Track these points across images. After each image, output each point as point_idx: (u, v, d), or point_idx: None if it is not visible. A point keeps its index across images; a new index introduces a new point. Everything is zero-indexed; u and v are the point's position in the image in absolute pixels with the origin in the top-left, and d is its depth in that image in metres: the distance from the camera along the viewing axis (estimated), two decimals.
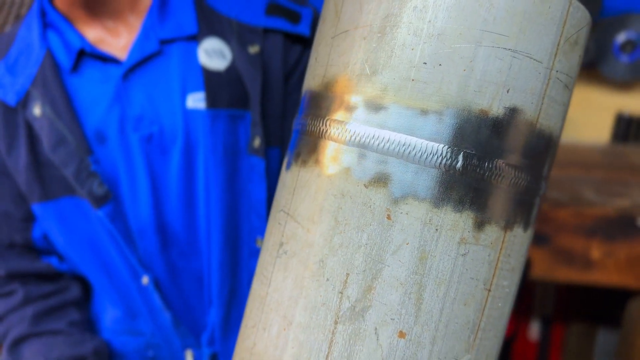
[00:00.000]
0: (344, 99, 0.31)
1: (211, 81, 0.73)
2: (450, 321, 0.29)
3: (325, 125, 0.32)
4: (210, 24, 0.74)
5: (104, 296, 0.81)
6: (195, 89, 0.74)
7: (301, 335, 0.31)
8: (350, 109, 0.30)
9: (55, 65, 0.72)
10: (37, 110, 0.71)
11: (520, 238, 0.32)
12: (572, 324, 2.11)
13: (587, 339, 2.12)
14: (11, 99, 0.72)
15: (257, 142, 0.74)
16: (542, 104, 0.29)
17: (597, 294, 1.79)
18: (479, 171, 0.29)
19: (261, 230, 0.77)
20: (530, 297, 2.07)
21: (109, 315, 0.81)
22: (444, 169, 0.29)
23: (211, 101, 0.72)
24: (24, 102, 0.71)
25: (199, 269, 0.78)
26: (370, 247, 0.30)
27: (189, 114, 0.73)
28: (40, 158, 0.72)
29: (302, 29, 0.77)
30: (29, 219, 0.77)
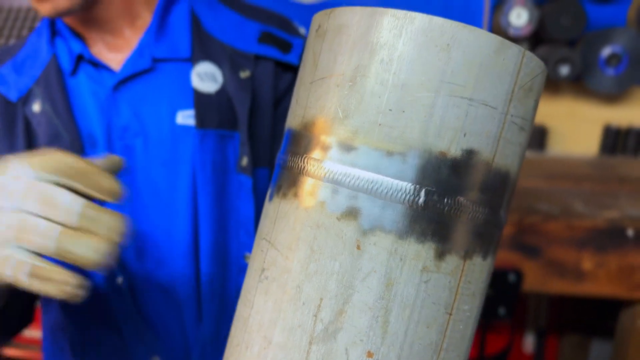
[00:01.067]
0: (320, 139, 0.34)
1: (201, 102, 0.78)
2: (414, 342, 0.33)
3: (304, 162, 0.35)
4: (204, 48, 0.80)
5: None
6: (185, 107, 0.79)
7: (279, 354, 0.34)
8: (325, 148, 0.34)
9: (59, 69, 0.79)
10: (36, 107, 0.78)
11: (479, 266, 0.36)
12: (566, 336, 2.14)
13: (581, 351, 2.15)
14: (13, 95, 0.79)
15: (244, 161, 0.78)
16: (497, 145, 0.33)
17: (590, 305, 1.83)
18: (440, 206, 0.32)
19: (249, 247, 0.81)
20: (524, 310, 2.10)
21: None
22: (407, 205, 0.32)
23: (200, 121, 0.77)
24: (25, 99, 0.78)
25: (180, 280, 0.81)
26: (342, 274, 0.33)
27: (177, 129, 0.79)
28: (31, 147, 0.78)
29: (292, 58, 0.83)
30: None
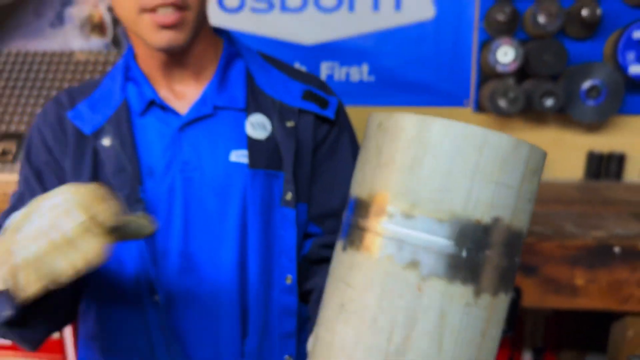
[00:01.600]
0: (385, 208, 0.48)
1: (253, 147, 0.95)
2: (460, 357, 0.47)
3: (373, 225, 0.49)
4: (257, 101, 0.97)
5: (114, 315, 0.96)
6: (238, 147, 0.96)
7: None
8: (391, 215, 0.48)
9: (129, 110, 0.94)
10: (106, 141, 0.93)
11: (503, 300, 0.50)
12: (562, 352, 2.24)
13: None
14: (87, 130, 0.94)
15: (289, 196, 0.94)
16: (514, 213, 0.47)
17: (584, 321, 1.95)
18: (476, 259, 0.46)
19: (291, 270, 0.96)
20: (521, 327, 2.21)
21: (115, 335, 0.96)
22: (454, 258, 0.46)
23: (252, 162, 0.94)
24: (97, 133, 0.93)
25: (223, 298, 0.94)
26: (408, 309, 0.47)
27: (230, 166, 0.95)
28: (99, 180, 0.92)
29: (329, 113, 1.01)
30: None
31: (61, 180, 0.93)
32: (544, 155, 0.54)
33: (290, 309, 0.98)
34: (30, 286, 0.58)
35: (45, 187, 0.94)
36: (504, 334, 0.92)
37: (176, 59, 0.95)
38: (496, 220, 0.49)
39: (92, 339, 0.99)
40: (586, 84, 2.15)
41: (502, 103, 2.13)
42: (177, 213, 0.92)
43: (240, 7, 2.37)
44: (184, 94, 0.98)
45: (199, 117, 0.96)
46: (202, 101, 0.97)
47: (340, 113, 1.06)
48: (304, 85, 1.02)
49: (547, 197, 2.03)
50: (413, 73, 2.32)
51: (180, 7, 0.87)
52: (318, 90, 1.02)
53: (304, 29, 2.35)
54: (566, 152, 2.32)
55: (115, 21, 2.48)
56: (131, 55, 1.00)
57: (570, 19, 2.13)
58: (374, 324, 0.47)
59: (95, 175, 0.92)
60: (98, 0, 2.47)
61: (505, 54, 2.13)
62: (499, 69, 2.14)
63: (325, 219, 1.01)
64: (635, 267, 1.54)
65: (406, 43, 2.32)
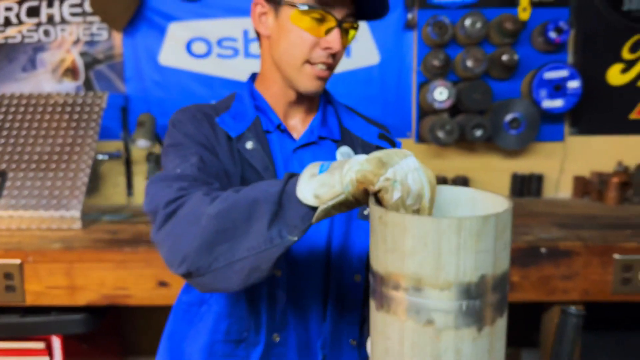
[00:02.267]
0: (400, 284, 0.67)
1: None
2: None
3: (394, 295, 0.68)
4: (345, 137, 1.19)
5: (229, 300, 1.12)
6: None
7: None
8: (405, 289, 0.66)
9: (261, 125, 1.12)
10: (249, 145, 1.09)
11: (501, 322, 0.69)
12: None
13: None
14: (233, 134, 1.09)
15: (365, 211, 1.14)
16: (495, 265, 0.67)
17: (517, 321, 2.18)
18: (473, 307, 0.66)
19: (360, 271, 1.16)
20: None
21: (220, 303, 1.11)
22: (458, 312, 0.66)
23: None
24: (239, 138, 1.09)
25: (313, 290, 1.13)
26: (432, 353, 0.67)
27: None
28: (246, 174, 1.08)
29: (398, 146, 1.23)
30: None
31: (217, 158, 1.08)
32: (509, 211, 0.69)
33: (357, 303, 1.16)
34: (398, 194, 0.72)
35: (212, 154, 1.06)
36: None
37: (302, 99, 1.14)
38: (482, 277, 0.66)
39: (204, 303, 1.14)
40: (508, 117, 2.46)
41: (440, 134, 2.41)
42: None
43: (207, 54, 2.54)
44: (295, 125, 1.17)
45: (307, 143, 1.15)
46: (310, 131, 1.15)
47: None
48: (378, 130, 1.22)
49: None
50: (362, 110, 2.53)
51: (330, 67, 1.08)
52: (387, 134, 1.24)
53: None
54: (494, 174, 2.63)
55: (88, 65, 2.58)
56: (253, 87, 1.18)
57: (493, 63, 2.44)
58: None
59: (243, 170, 1.07)
60: (70, 45, 2.56)
61: (441, 93, 2.41)
62: (436, 105, 2.42)
63: None
64: (559, 264, 1.82)
65: (356, 84, 2.57)
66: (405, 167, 0.72)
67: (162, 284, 1.81)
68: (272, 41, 1.09)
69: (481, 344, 0.68)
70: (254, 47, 2.56)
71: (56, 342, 1.95)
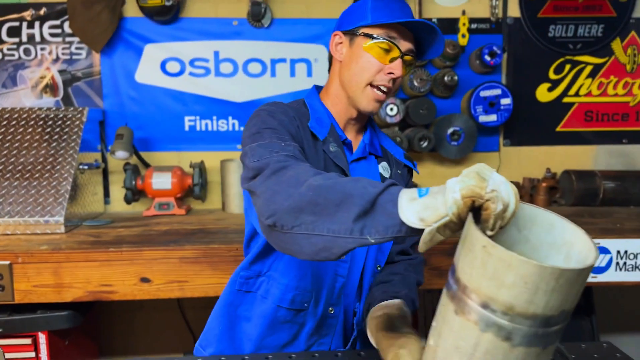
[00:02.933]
0: (490, 305, 0.71)
1: (382, 180, 1.36)
2: None
3: (479, 310, 0.74)
4: (384, 155, 1.41)
5: (288, 265, 1.30)
6: (376, 179, 1.35)
7: None
8: (493, 310, 0.71)
9: (337, 132, 1.31)
10: (332, 147, 1.28)
11: (557, 342, 0.75)
12: None
13: None
14: (320, 136, 1.28)
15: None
16: (572, 303, 0.73)
17: None
18: (548, 332, 0.72)
19: (381, 263, 1.38)
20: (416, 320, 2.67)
21: (287, 278, 1.30)
22: (535, 335, 0.73)
23: None
24: (324, 140, 1.28)
25: (355, 275, 1.34)
26: (503, 359, 0.76)
27: None
28: (326, 168, 1.27)
29: (415, 168, 1.47)
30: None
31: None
32: (592, 266, 0.72)
33: (369, 285, 1.39)
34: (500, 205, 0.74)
35: (296, 141, 1.20)
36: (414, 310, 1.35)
37: (359, 118, 1.35)
38: (562, 312, 0.73)
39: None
40: (450, 130, 2.73)
41: None
42: None
43: (180, 72, 2.73)
44: (352, 144, 1.37)
45: (360, 157, 1.36)
46: (363, 147, 1.36)
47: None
48: (402, 150, 1.47)
49: None
50: None
51: (388, 91, 1.28)
52: (407, 154, 1.49)
53: (235, 89, 2.76)
54: (439, 182, 2.79)
55: (66, 82, 2.72)
56: (320, 102, 1.36)
57: (436, 83, 2.72)
58: None
59: (327, 168, 1.26)
60: (50, 63, 2.70)
61: (391, 109, 2.66)
62: (388, 120, 2.67)
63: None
64: None
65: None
66: (497, 180, 0.75)
67: (144, 279, 1.98)
68: (343, 65, 1.30)
69: (542, 358, 0.80)
70: (224, 67, 2.75)
71: (42, 338, 2.07)
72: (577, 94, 2.91)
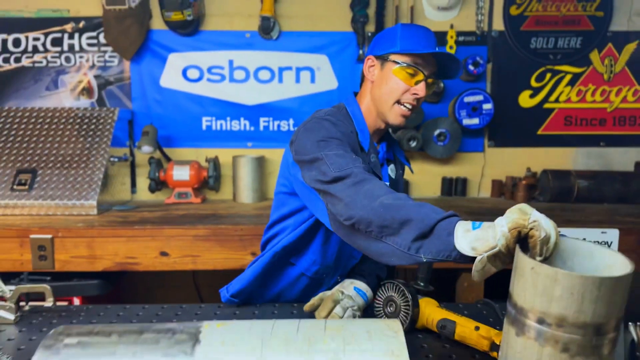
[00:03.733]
0: (545, 320, 0.83)
1: (390, 180, 1.62)
2: None
3: (535, 326, 0.85)
4: (392, 159, 1.66)
5: (316, 250, 1.55)
6: (385, 180, 1.58)
7: None
8: (548, 324, 0.83)
9: (374, 146, 1.54)
10: (372, 158, 1.50)
11: (613, 352, 0.85)
12: None
13: None
14: (365, 147, 1.48)
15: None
16: (619, 312, 0.82)
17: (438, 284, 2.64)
18: (601, 341, 0.82)
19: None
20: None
21: (313, 258, 1.56)
22: (589, 343, 0.82)
23: (389, 187, 1.51)
24: (368, 151, 1.51)
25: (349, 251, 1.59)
26: None
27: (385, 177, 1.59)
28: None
29: (410, 168, 1.73)
30: None
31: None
32: (632, 271, 0.80)
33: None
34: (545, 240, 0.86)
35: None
36: (425, 290, 1.60)
37: (383, 130, 1.56)
38: (610, 320, 0.82)
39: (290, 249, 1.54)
40: (437, 132, 3.00)
41: None
42: None
43: (199, 78, 3.07)
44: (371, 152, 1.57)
45: (380, 161, 1.57)
46: (382, 156, 1.58)
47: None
48: (404, 152, 1.72)
49: None
50: None
51: (413, 108, 1.48)
52: (406, 157, 1.74)
53: (247, 94, 3.08)
54: (428, 178, 3.15)
55: (100, 86, 3.08)
56: (360, 113, 1.54)
57: None
58: None
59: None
60: (87, 70, 3.06)
61: None
62: None
63: None
64: None
65: (319, 104, 3.10)
66: (537, 214, 0.87)
67: (163, 253, 2.30)
68: (375, 85, 1.49)
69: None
70: (237, 74, 3.08)
71: (76, 302, 2.41)
72: (557, 101, 3.16)
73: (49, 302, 1.48)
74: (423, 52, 1.42)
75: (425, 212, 1.02)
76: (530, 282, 0.85)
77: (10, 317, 1.43)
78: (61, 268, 2.30)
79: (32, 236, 2.29)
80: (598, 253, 0.92)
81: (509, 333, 0.91)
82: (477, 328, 1.24)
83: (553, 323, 0.83)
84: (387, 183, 1.60)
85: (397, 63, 1.44)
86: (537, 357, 0.86)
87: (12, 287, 1.47)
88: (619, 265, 0.88)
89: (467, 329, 1.26)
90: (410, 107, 1.47)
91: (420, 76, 1.44)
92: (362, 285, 1.49)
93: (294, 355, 0.75)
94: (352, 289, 1.46)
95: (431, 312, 1.35)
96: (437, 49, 1.47)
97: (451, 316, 1.31)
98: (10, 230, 2.28)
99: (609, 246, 2.35)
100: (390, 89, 1.46)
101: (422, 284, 1.41)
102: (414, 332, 1.35)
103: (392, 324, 0.86)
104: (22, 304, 1.50)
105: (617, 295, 0.81)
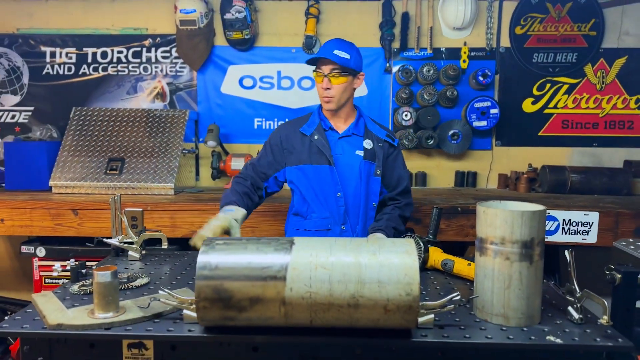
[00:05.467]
0: (494, 241, 1.53)
1: (365, 151, 2.19)
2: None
3: (490, 247, 1.65)
4: (368, 134, 2.23)
5: (314, 205, 2.17)
6: (359, 149, 2.19)
7: None
8: (495, 243, 1.50)
9: (322, 127, 2.19)
10: (315, 136, 2.16)
11: (541, 262, 1.64)
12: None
13: None
14: (307, 132, 2.19)
15: (378, 172, 2.20)
16: (538, 234, 1.59)
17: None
18: (529, 252, 1.31)
19: (375, 201, 2.22)
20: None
21: (316, 212, 2.17)
22: (521, 254, 1.31)
23: (365, 157, 2.18)
24: (311, 135, 2.16)
25: (355, 210, 2.18)
26: (508, 272, 1.31)
27: (355, 156, 2.20)
28: (312, 151, 2.14)
29: (395, 144, 2.28)
30: (275, 170, 2.20)
31: (280, 154, 2.18)
32: (544, 210, 1.29)
33: (372, 217, 2.19)
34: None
35: (273, 156, 2.18)
36: (431, 241, 2.13)
37: (334, 113, 2.18)
38: (533, 239, 1.26)
39: (297, 213, 2.24)
40: (451, 132, 3.48)
41: (406, 142, 3.44)
42: (341, 167, 2.13)
43: (253, 86, 3.63)
44: (338, 127, 2.21)
45: (346, 135, 2.19)
46: (348, 130, 2.19)
47: (399, 146, 2.29)
48: (386, 131, 2.25)
49: (435, 193, 3.31)
50: None
51: (330, 100, 2.11)
52: (391, 133, 2.27)
53: (292, 99, 3.63)
54: (443, 171, 3.64)
55: (172, 91, 3.66)
56: (320, 107, 2.22)
57: (441, 96, 3.48)
58: (497, 279, 1.27)
59: (311, 149, 2.13)
60: (161, 78, 3.65)
61: (407, 115, 3.44)
62: (403, 123, 3.45)
63: (387, 187, 2.22)
64: (469, 218, 2.80)
65: None
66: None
67: None
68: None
69: (532, 270, 1.30)
70: (284, 82, 3.63)
71: None
72: (555, 107, 3.61)
73: (164, 245, 2.05)
74: (313, 57, 2.10)
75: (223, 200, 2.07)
76: (483, 220, 1.34)
77: (137, 255, 2.00)
78: (149, 236, 2.87)
79: (126, 209, 2.86)
80: (525, 205, 1.39)
81: (477, 256, 1.38)
82: (469, 264, 1.75)
83: (498, 242, 1.30)
84: (362, 151, 2.18)
85: (314, 71, 2.15)
86: (492, 266, 1.33)
87: (136, 237, 2.04)
88: (538, 208, 1.33)
89: (462, 265, 1.77)
90: (326, 98, 2.11)
91: (321, 75, 2.10)
92: (381, 236, 2.03)
93: (349, 251, 1.27)
94: None
95: (437, 256, 1.86)
96: (333, 52, 2.06)
97: (451, 257, 1.82)
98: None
99: (591, 226, 2.83)
100: (317, 88, 2.16)
101: (431, 237, 1.93)
102: (425, 270, 1.86)
103: (408, 240, 1.37)
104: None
105: (534, 222, 1.28)
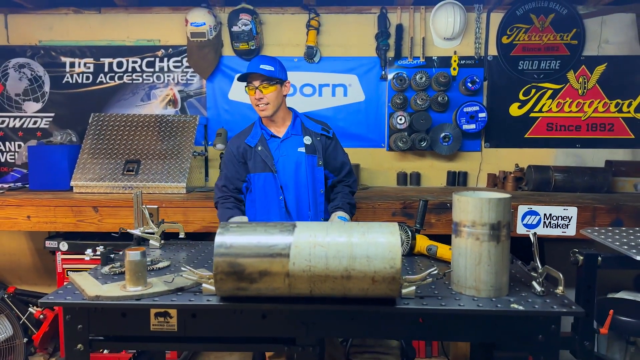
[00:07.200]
0: (466, 224, 1.78)
1: (306, 147, 2.46)
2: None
3: (464, 230, 1.77)
4: (306, 132, 2.50)
5: (262, 206, 2.44)
6: (301, 147, 2.45)
7: None
8: (467, 226, 1.81)
9: (264, 137, 2.45)
10: (259, 147, 2.43)
11: (507, 242, 1.82)
12: None
13: None
14: (252, 144, 2.47)
15: (320, 162, 2.46)
16: (504, 217, 1.79)
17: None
18: (496, 233, 1.90)
19: (322, 187, 2.49)
20: None
21: (259, 217, 2.44)
22: (489, 234, 1.84)
23: (307, 151, 2.44)
24: (256, 145, 2.43)
25: (305, 199, 2.44)
26: (478, 250, 1.81)
27: (298, 153, 2.46)
28: (257, 160, 2.41)
29: (330, 135, 2.54)
30: (242, 180, 2.46)
31: (238, 164, 2.46)
32: (509, 199, 1.51)
33: (322, 202, 2.49)
34: None
35: (234, 166, 2.46)
36: (418, 230, 2.33)
37: (270, 120, 2.48)
38: (499, 222, 1.47)
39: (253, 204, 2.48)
40: (442, 134, 3.68)
41: (400, 144, 3.64)
42: (285, 169, 2.41)
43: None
44: (278, 131, 2.49)
45: (286, 138, 2.47)
46: (287, 133, 2.48)
47: (334, 136, 2.56)
48: (321, 126, 2.54)
49: (428, 192, 3.51)
50: (354, 129, 3.82)
51: (264, 109, 2.40)
52: (326, 127, 2.56)
53: (294, 105, 3.73)
54: (436, 171, 3.83)
55: (183, 98, 3.88)
56: (260, 118, 2.50)
57: (433, 101, 3.68)
58: (469, 257, 1.55)
59: (256, 159, 2.41)
60: (173, 85, 3.87)
61: (401, 119, 3.65)
62: (398, 127, 3.65)
63: (332, 172, 2.52)
64: None
65: (350, 113, 3.82)
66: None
67: None
68: None
69: (499, 249, 1.50)
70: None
71: None
72: (540, 111, 3.80)
73: (182, 235, 2.26)
74: (242, 74, 2.38)
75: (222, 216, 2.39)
76: (457, 206, 1.56)
77: (157, 244, 2.21)
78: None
79: (143, 206, 3.08)
80: (494, 194, 1.60)
81: (453, 238, 1.60)
82: (450, 249, 1.95)
83: (470, 225, 1.52)
84: (303, 147, 2.44)
85: (246, 86, 2.41)
86: (465, 245, 1.54)
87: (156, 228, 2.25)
88: (504, 196, 1.54)
89: (444, 250, 1.98)
90: (261, 107, 2.37)
91: (253, 88, 2.36)
92: (342, 214, 2.39)
93: (342, 232, 1.48)
94: (336, 218, 2.35)
95: (423, 243, 2.06)
96: (260, 67, 2.33)
97: (435, 243, 2.03)
98: (128, 202, 3.08)
99: (570, 220, 3.02)
100: (250, 100, 2.44)
101: (418, 226, 2.13)
102: (412, 255, 2.07)
103: (392, 224, 1.58)
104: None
105: (499, 207, 1.49)
